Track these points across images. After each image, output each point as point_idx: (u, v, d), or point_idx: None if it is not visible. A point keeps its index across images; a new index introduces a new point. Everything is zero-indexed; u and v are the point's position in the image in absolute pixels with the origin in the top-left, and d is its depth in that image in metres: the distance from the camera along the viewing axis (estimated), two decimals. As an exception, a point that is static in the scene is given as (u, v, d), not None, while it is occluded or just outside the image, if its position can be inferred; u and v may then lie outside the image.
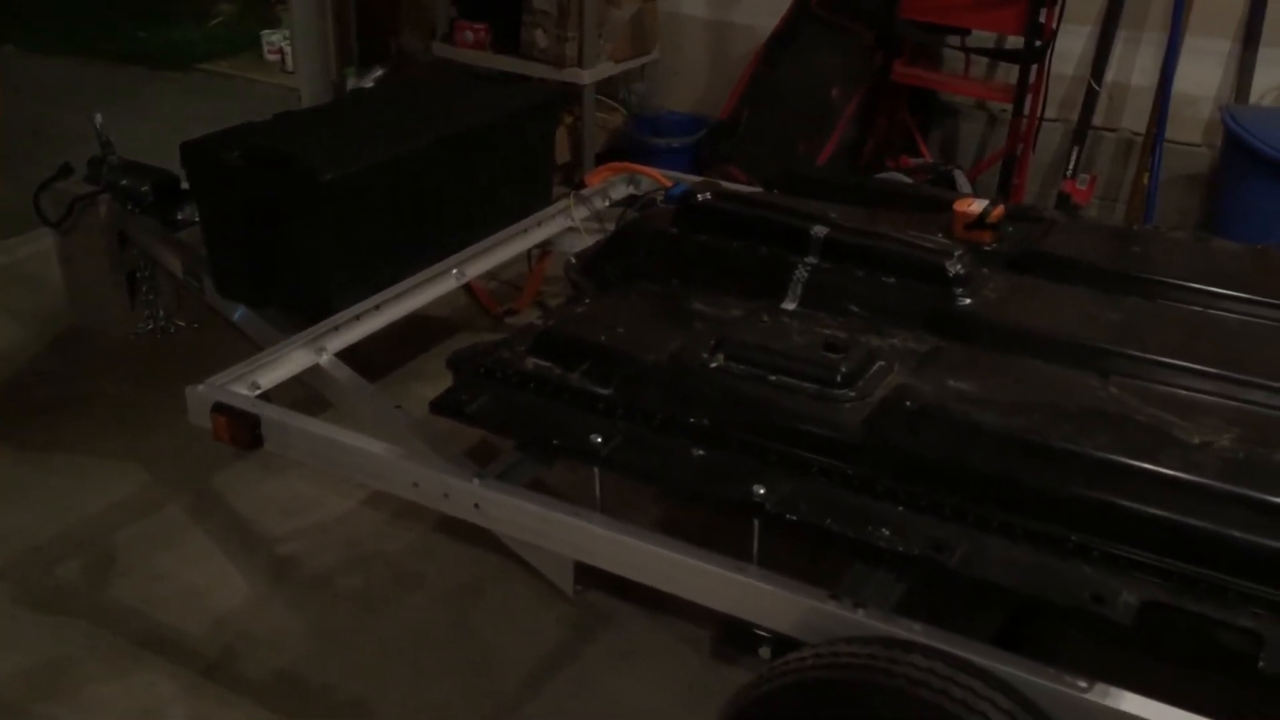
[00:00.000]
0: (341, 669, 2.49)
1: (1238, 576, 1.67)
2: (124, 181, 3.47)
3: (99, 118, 3.55)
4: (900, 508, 1.90)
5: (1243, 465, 1.79)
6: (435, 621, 2.63)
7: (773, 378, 2.12)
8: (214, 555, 2.83)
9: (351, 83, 5.28)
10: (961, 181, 4.47)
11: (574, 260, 2.94)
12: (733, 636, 1.99)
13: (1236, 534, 1.69)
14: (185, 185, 3.30)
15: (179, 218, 3.43)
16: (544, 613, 2.63)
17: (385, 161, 2.91)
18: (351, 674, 2.48)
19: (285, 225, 2.84)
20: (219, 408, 2.40)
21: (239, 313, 3.08)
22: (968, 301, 2.38)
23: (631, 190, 3.62)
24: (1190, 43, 4.26)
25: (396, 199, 2.97)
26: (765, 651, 1.93)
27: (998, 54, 4.59)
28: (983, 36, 4.58)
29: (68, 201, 3.51)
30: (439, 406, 2.28)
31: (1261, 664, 1.57)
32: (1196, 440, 1.86)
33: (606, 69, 4.88)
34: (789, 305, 2.46)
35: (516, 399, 2.25)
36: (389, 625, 2.62)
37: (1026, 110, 4.36)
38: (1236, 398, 2.05)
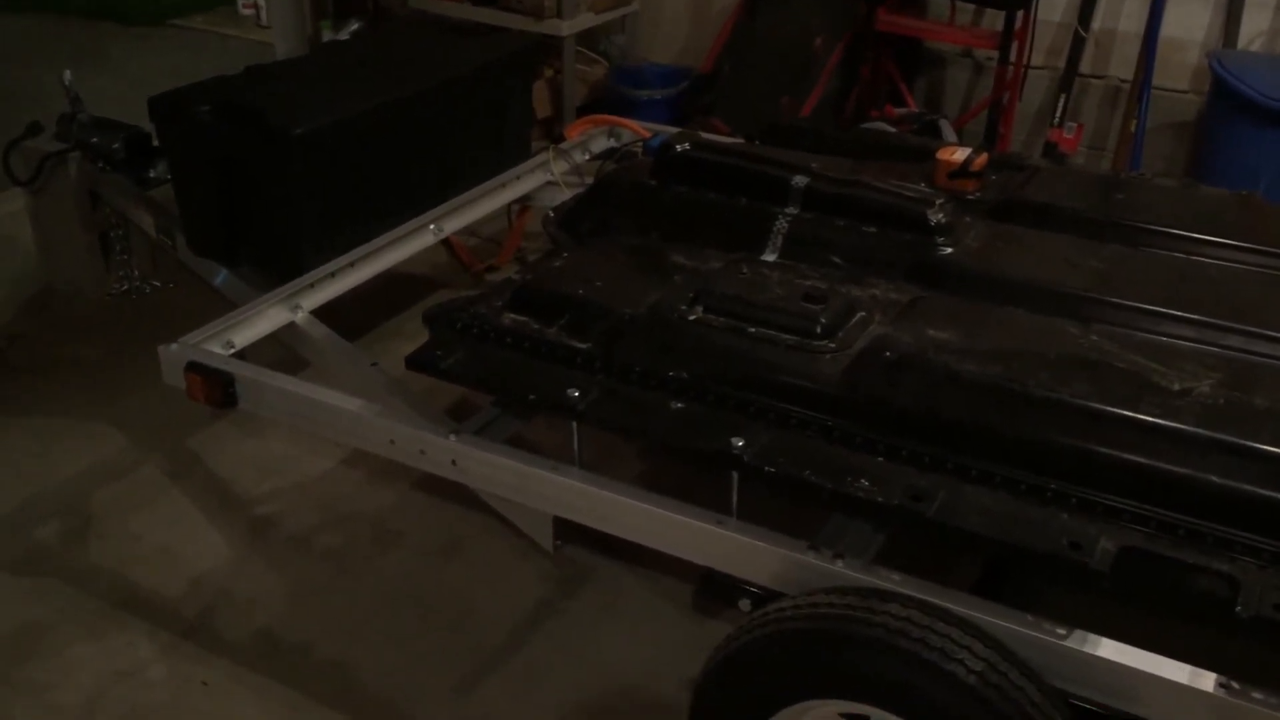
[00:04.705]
0: (320, 628, 2.48)
1: (1215, 522, 1.66)
2: (94, 139, 3.40)
3: (68, 74, 3.48)
4: (879, 458, 1.88)
5: (1222, 411, 1.78)
6: (414, 579, 2.62)
7: (752, 329, 2.09)
8: (191, 516, 2.81)
9: (327, 36, 5.20)
10: (947, 131, 4.44)
11: (552, 214, 2.90)
12: (713, 589, 1.98)
13: (1215, 479, 1.68)
14: (157, 142, 3.24)
15: (151, 175, 3.37)
16: (523, 569, 2.62)
17: (358, 115, 2.86)
18: (330, 632, 2.47)
19: (257, 181, 2.79)
20: (192, 366, 2.36)
21: (219, 275, 3.03)
22: (949, 250, 2.35)
23: (612, 143, 3.57)
24: (1177, -13, 4.22)
25: (371, 153, 2.92)
26: (745, 604, 1.91)
27: (983, 0, 4.53)
28: (968, -17, 4.52)
29: (37, 160, 3.44)
30: (414, 362, 2.25)
31: (1239, 608, 1.56)
32: (1176, 387, 1.84)
33: (586, 20, 4.81)
34: (769, 256, 2.43)
35: (493, 354, 2.22)
36: (368, 584, 2.61)
37: (1012, 58, 4.32)
38: (1217, 344, 2.03)
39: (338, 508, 2.83)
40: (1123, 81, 4.45)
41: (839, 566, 1.81)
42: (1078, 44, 4.38)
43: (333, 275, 2.78)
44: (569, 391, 2.07)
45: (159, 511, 2.82)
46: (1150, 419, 1.76)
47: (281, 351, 2.75)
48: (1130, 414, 1.78)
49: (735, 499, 1.95)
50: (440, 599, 2.56)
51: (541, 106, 4.68)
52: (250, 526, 2.78)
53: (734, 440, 1.91)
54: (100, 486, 2.89)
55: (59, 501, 2.84)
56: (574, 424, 2.10)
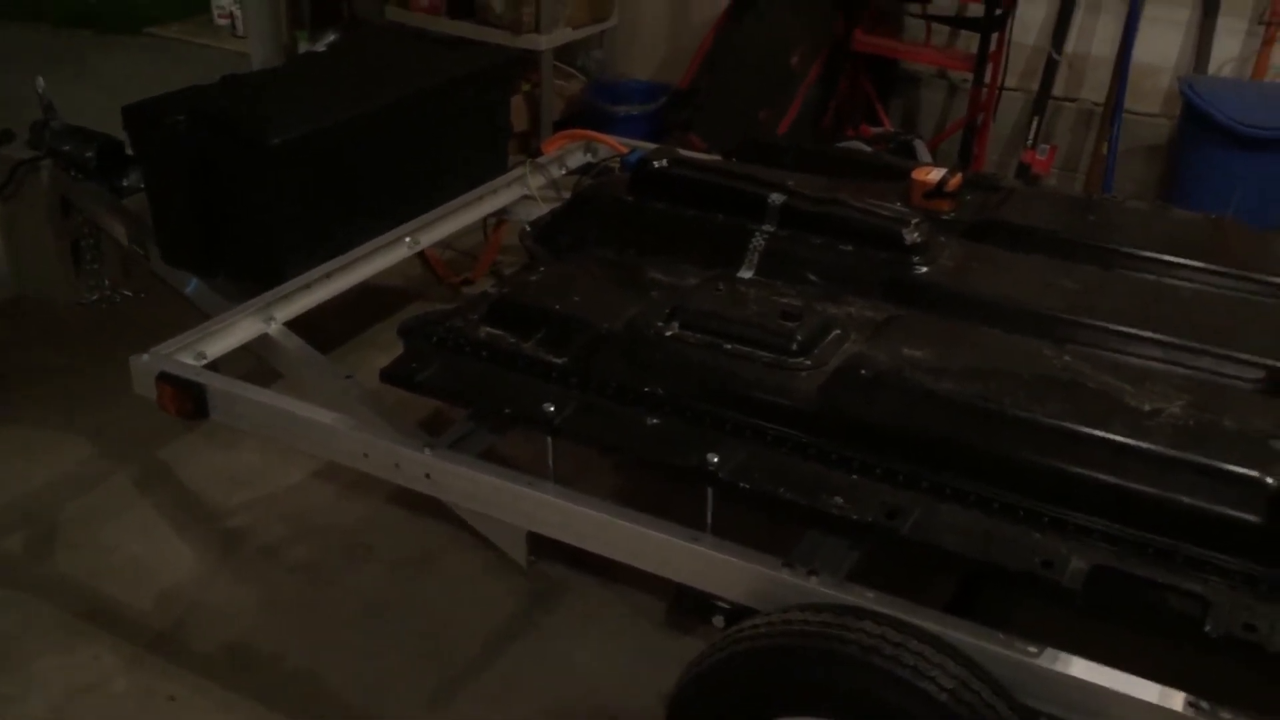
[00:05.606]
0: (291, 641, 2.46)
1: (1185, 541, 1.68)
2: (67, 147, 3.37)
3: (41, 81, 3.46)
4: (854, 475, 1.89)
5: (1192, 432, 1.80)
6: (386, 593, 2.60)
7: (728, 346, 2.10)
8: (161, 528, 2.78)
9: (303, 47, 5.17)
10: (921, 151, 4.47)
11: (529, 228, 2.90)
12: (687, 605, 1.98)
13: (1185, 499, 1.69)
14: (130, 151, 3.21)
15: (124, 184, 3.34)
16: (497, 584, 2.61)
17: (334, 125, 2.85)
18: (300, 645, 2.44)
19: (232, 191, 2.77)
20: (164, 377, 2.35)
21: (189, 283, 3.01)
22: (924, 270, 2.37)
23: (589, 158, 3.58)
24: (1150, 12, 4.27)
25: (347, 164, 2.91)
26: (719, 620, 1.92)
27: (958, 22, 4.58)
28: (944, 4, 4.57)
29: (9, 167, 3.41)
30: (389, 375, 2.25)
31: (1208, 627, 1.58)
32: (1147, 407, 1.86)
33: (564, 35, 4.82)
34: (745, 273, 2.45)
35: (469, 367, 2.22)
36: (339, 597, 2.59)
37: (987, 79, 4.36)
38: (1188, 365, 2.06)
39: (309, 520, 2.81)
40: (1095, 104, 4.50)
41: (813, 583, 1.81)
42: (1051, 67, 4.43)
43: (307, 287, 2.77)
44: (545, 406, 2.07)
45: (128, 522, 2.79)
46: (1121, 439, 1.78)
47: (254, 363, 2.73)
48: (1102, 434, 1.79)
49: (710, 515, 1.95)
50: (412, 613, 2.54)
51: (518, 120, 4.68)
52: (221, 538, 2.75)
53: (709, 456, 1.92)
54: (69, 497, 2.86)
55: (27, 511, 2.81)
56: (549, 438, 2.10)
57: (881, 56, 4.65)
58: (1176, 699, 1.58)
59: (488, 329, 2.25)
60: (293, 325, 2.68)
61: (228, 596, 2.58)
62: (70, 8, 6.86)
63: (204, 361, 2.47)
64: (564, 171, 3.49)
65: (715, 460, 1.91)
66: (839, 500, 1.84)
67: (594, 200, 2.82)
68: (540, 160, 3.46)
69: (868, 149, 4.28)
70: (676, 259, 2.47)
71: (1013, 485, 1.79)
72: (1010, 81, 4.56)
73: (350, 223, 2.93)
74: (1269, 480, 1.68)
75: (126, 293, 3.67)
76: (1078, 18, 4.43)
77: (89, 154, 3.35)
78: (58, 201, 3.50)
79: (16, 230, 3.63)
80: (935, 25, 4.63)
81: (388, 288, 3.69)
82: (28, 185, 3.47)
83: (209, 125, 2.74)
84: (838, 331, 2.14)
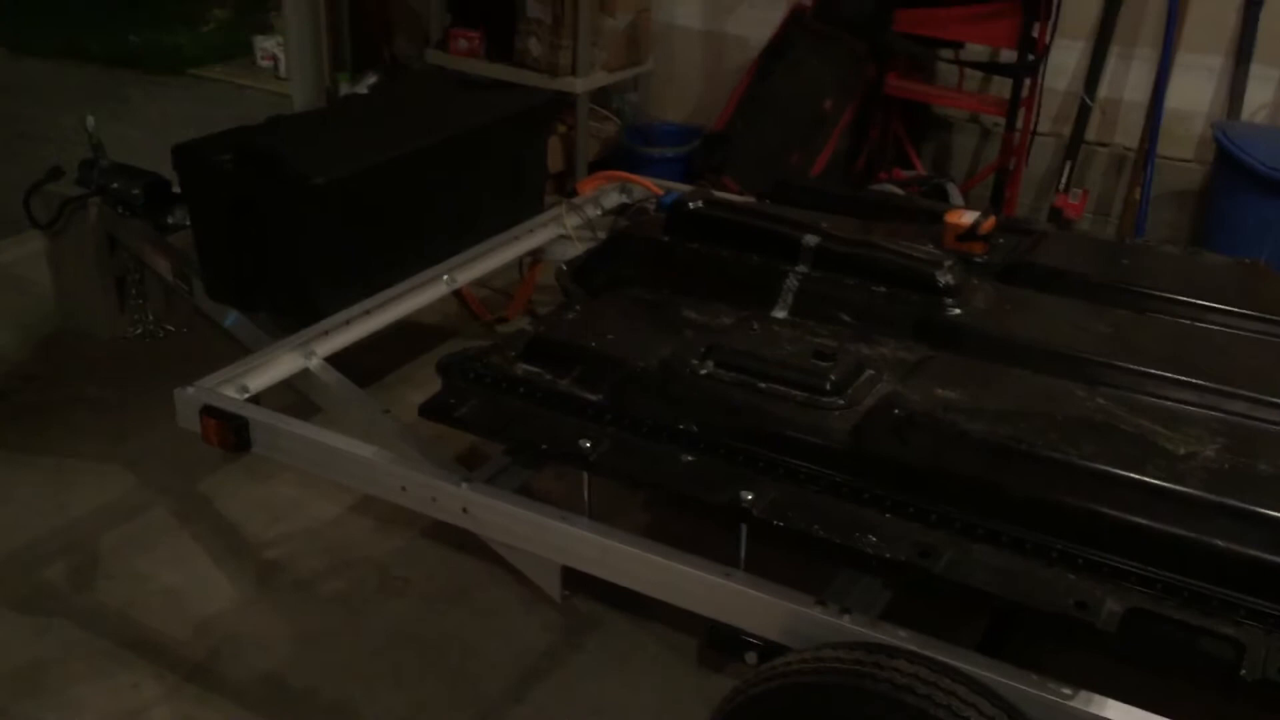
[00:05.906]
0: (326, 673, 2.48)
1: (1221, 585, 1.67)
2: (115, 184, 3.46)
3: (91, 120, 3.54)
4: (887, 514, 1.90)
5: (1227, 476, 1.80)
6: (420, 626, 2.62)
7: (762, 385, 2.12)
8: (199, 558, 2.82)
9: (344, 89, 5.28)
10: (954, 194, 4.49)
11: (565, 267, 2.94)
12: (719, 642, 1.99)
13: (1220, 543, 1.69)
14: (176, 189, 3.29)
15: (169, 221, 3.42)
16: (530, 618, 2.62)
17: (376, 166, 2.91)
18: (336, 678, 2.47)
19: (276, 229, 2.83)
20: (208, 410, 2.39)
21: (229, 317, 3.07)
22: (957, 311, 2.39)
23: (624, 199, 3.62)
24: (1183, 59, 4.29)
25: (387, 204, 2.97)
26: (752, 657, 1.93)
27: (991, 68, 4.61)
28: (976, 50, 4.60)
29: (58, 204, 3.50)
30: (428, 410, 2.28)
31: (1243, 671, 1.57)
32: (1182, 451, 1.86)
33: (600, 78, 4.89)
34: (779, 313, 2.47)
35: (506, 403, 2.25)
36: (374, 630, 2.61)
37: (1019, 124, 4.39)
38: (1222, 409, 2.06)
39: (345, 553, 2.84)
40: (1128, 149, 4.51)
41: (846, 621, 1.82)
42: (1083, 112, 4.45)
43: (347, 323, 2.82)
44: (581, 442, 2.10)
45: (167, 553, 2.82)
46: (1156, 482, 1.79)
47: (292, 397, 2.77)
48: (1136, 477, 1.80)
49: (744, 552, 1.96)
50: (445, 646, 2.56)
51: (554, 162, 4.75)
52: (258, 570, 2.79)
53: (743, 493, 1.93)
54: (109, 527, 2.90)
55: (68, 541, 2.85)
56: (585, 474, 2.13)
57: (914, 101, 4.69)
58: (1212, 743, 1.58)
59: (525, 366, 2.29)
60: (332, 360, 2.73)
61: (264, 628, 2.61)
62: (115, 48, 7.02)
63: (246, 395, 2.52)
64: (599, 212, 3.53)
65: (749, 498, 1.93)
66: (872, 539, 1.85)
67: (629, 240, 2.86)
68: (576, 201, 3.51)
69: (900, 192, 4.31)
70: (711, 299, 2.50)
71: (1046, 527, 1.79)
72: (1043, 126, 4.58)
73: (389, 261, 2.99)
74: (1304, 524, 1.68)
75: (169, 327, 3.75)
76: (1110, 64, 4.45)
77: (136, 192, 3.44)
78: (104, 238, 3.58)
79: (63, 266, 3.71)
80: (968, 70, 4.66)
81: (423, 325, 3.73)
82: (75, 221, 3.55)
83: (254, 165, 2.81)
84: (871, 372, 2.16)
